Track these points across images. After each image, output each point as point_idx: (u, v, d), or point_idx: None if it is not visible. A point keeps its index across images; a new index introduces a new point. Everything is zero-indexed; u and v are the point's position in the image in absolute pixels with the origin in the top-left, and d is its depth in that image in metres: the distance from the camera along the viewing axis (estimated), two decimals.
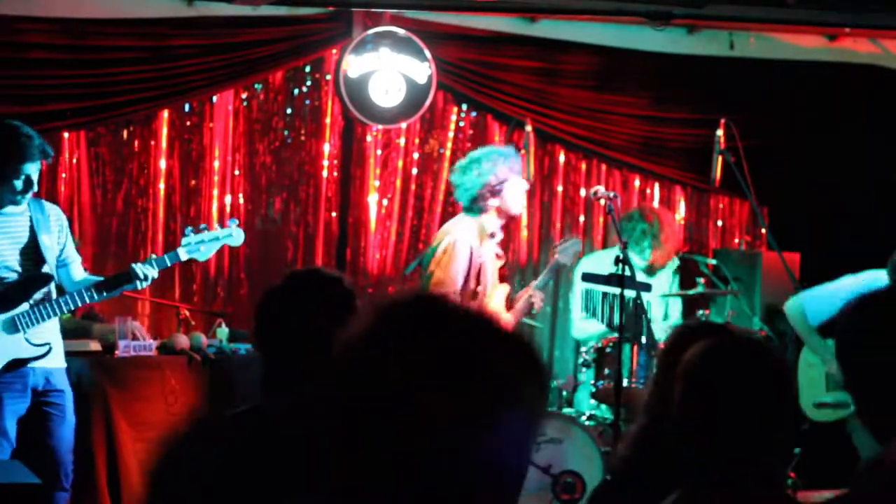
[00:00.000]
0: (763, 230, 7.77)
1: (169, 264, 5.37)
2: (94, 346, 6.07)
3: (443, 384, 1.37)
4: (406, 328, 1.42)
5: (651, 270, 7.05)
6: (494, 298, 6.04)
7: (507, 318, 5.86)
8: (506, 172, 5.94)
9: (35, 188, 5.15)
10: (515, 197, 6.01)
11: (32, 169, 5.08)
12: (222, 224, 5.56)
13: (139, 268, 5.21)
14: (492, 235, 6.02)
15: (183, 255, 5.36)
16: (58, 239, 5.30)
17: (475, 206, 5.99)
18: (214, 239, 5.43)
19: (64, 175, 6.83)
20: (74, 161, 6.86)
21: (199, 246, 5.40)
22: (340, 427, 1.42)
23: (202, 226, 5.52)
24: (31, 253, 5.19)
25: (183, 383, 6.13)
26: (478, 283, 5.92)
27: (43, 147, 5.12)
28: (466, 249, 5.88)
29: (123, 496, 5.96)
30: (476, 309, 1.47)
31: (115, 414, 5.95)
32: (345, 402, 1.42)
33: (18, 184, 5.06)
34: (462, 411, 1.36)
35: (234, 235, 5.51)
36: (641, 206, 7.59)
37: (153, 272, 5.24)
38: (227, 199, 7.23)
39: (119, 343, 6.07)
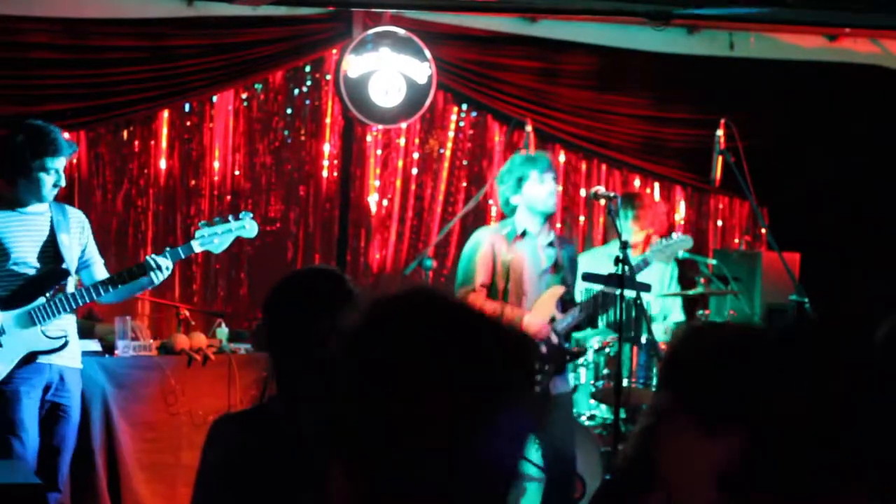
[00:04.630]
0: (763, 230, 7.76)
1: (183, 256, 5.37)
2: (94, 346, 6.06)
3: (435, 382, 1.36)
4: (397, 326, 1.41)
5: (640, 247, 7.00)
6: (535, 298, 5.83)
7: (538, 317, 5.78)
8: (521, 170, 5.84)
9: (63, 183, 5.19)
10: (537, 192, 5.85)
11: (60, 164, 5.12)
12: (235, 216, 5.52)
13: (154, 258, 5.21)
14: (523, 234, 5.86)
15: (196, 247, 5.35)
16: (79, 240, 5.31)
17: (507, 208, 5.93)
18: (228, 231, 5.41)
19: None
20: (74, 161, 6.85)
21: (213, 238, 5.38)
22: (334, 426, 1.41)
23: (216, 218, 5.50)
24: (50, 251, 5.19)
25: (183, 383, 6.12)
26: (505, 281, 5.83)
27: (69, 143, 5.18)
28: (486, 247, 5.80)
29: (123, 496, 5.95)
30: (469, 304, 1.46)
31: (115, 414, 5.94)
32: (337, 400, 1.41)
33: (47, 179, 5.09)
34: (453, 408, 1.36)
35: (248, 227, 5.49)
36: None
37: (168, 262, 5.24)
38: (227, 199, 7.23)
39: (119, 343, 6.06)
